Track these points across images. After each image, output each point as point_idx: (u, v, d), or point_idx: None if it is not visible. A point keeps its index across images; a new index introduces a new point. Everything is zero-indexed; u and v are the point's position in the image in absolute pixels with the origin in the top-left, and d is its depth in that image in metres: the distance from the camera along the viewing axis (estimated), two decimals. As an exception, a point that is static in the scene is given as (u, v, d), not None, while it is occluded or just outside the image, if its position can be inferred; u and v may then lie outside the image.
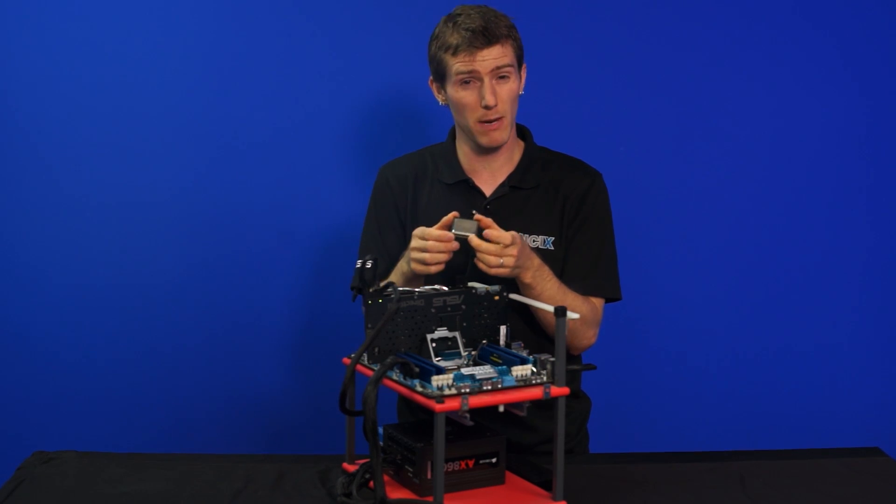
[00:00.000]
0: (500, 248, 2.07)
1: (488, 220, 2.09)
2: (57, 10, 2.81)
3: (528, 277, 2.14)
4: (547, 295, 2.15)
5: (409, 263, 2.15)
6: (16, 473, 2.03)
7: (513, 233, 2.09)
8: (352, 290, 1.98)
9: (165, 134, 2.87)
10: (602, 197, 2.35)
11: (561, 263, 2.30)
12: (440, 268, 2.10)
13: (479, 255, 2.09)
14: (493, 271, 2.08)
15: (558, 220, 2.32)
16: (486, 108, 2.23)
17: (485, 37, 2.20)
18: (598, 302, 2.31)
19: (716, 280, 3.03)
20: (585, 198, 2.32)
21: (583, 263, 2.30)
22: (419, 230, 2.11)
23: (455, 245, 2.09)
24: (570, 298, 2.21)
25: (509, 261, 2.08)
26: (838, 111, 3.03)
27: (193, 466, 2.07)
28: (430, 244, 2.08)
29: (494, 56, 2.21)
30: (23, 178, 2.85)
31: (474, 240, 2.07)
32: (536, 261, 2.16)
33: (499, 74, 2.23)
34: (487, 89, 2.22)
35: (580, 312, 2.18)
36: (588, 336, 2.29)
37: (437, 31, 2.28)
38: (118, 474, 2.02)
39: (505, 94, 2.24)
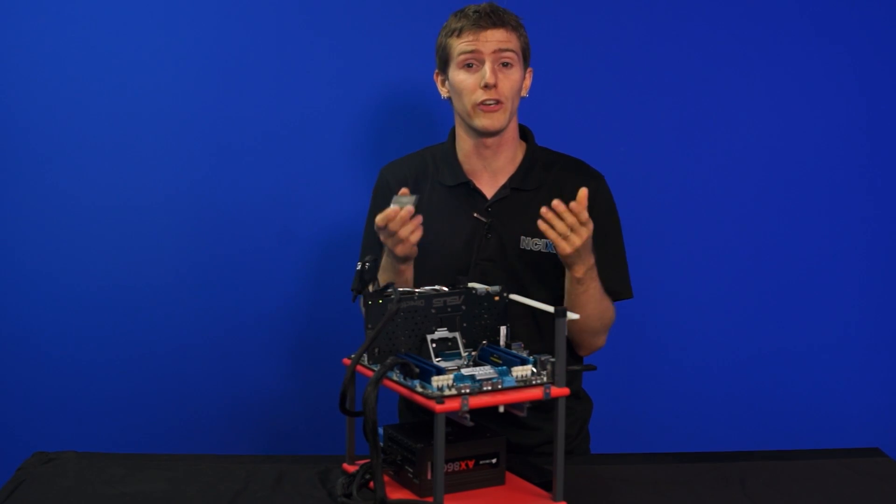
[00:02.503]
0: (577, 222, 2.07)
1: (584, 192, 2.06)
2: (57, 10, 2.81)
3: (580, 272, 2.15)
4: (590, 294, 2.17)
5: (389, 256, 2.17)
6: (16, 474, 2.02)
7: (587, 215, 2.08)
8: (352, 291, 1.98)
9: (166, 134, 2.86)
10: (607, 199, 2.35)
11: (562, 267, 2.30)
12: (418, 235, 2.10)
13: (549, 220, 2.07)
14: (554, 237, 2.08)
15: (561, 223, 2.31)
16: (486, 87, 2.22)
17: (490, 18, 2.22)
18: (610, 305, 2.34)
19: (716, 281, 3.03)
20: (592, 202, 2.31)
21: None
22: (376, 223, 2.10)
23: (405, 211, 2.06)
24: (606, 303, 2.27)
25: (576, 240, 2.08)
26: (840, 113, 3.03)
27: (193, 467, 2.07)
28: (389, 231, 2.08)
29: (499, 38, 2.22)
30: (22, 178, 2.85)
31: (560, 205, 2.04)
32: (592, 259, 2.16)
33: (502, 60, 2.23)
34: (489, 69, 2.22)
35: (610, 316, 2.29)
36: (603, 339, 2.34)
37: (445, 23, 2.31)
38: (118, 474, 2.01)
39: (507, 81, 2.24)
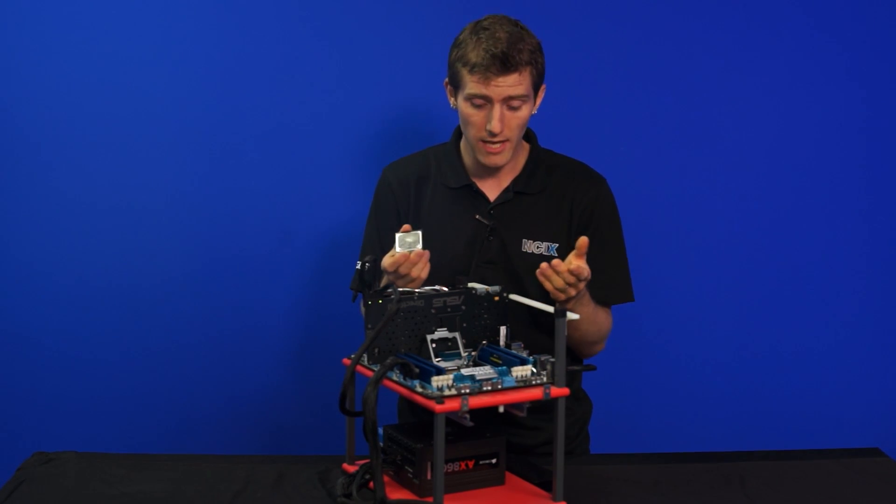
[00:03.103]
0: (575, 279, 2.07)
1: (584, 241, 2.06)
2: (58, 10, 2.81)
3: (568, 304, 2.13)
4: (581, 316, 2.13)
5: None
6: (16, 474, 2.03)
7: (588, 269, 2.07)
8: (352, 290, 1.98)
9: (168, 135, 2.86)
10: (611, 203, 2.35)
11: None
12: (428, 269, 2.07)
13: (547, 274, 2.08)
14: (551, 289, 2.09)
15: (565, 227, 2.30)
16: (491, 133, 2.21)
17: (503, 64, 2.15)
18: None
19: (716, 281, 3.03)
20: (595, 207, 2.31)
21: (599, 275, 2.25)
22: (384, 266, 2.07)
23: (414, 255, 2.03)
24: (601, 316, 2.27)
25: (572, 291, 2.09)
26: (840, 114, 3.03)
27: (193, 467, 2.07)
28: (399, 274, 2.05)
29: (509, 84, 2.17)
30: (23, 178, 2.85)
31: (560, 264, 2.06)
32: (582, 291, 2.15)
33: (511, 105, 2.20)
34: (495, 116, 2.18)
35: (607, 327, 2.29)
36: (602, 345, 2.34)
37: (461, 37, 2.23)
38: (118, 474, 2.02)
39: (513, 122, 2.21)
